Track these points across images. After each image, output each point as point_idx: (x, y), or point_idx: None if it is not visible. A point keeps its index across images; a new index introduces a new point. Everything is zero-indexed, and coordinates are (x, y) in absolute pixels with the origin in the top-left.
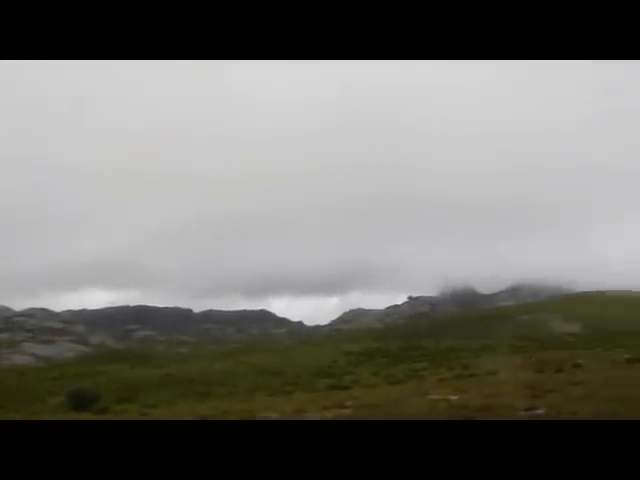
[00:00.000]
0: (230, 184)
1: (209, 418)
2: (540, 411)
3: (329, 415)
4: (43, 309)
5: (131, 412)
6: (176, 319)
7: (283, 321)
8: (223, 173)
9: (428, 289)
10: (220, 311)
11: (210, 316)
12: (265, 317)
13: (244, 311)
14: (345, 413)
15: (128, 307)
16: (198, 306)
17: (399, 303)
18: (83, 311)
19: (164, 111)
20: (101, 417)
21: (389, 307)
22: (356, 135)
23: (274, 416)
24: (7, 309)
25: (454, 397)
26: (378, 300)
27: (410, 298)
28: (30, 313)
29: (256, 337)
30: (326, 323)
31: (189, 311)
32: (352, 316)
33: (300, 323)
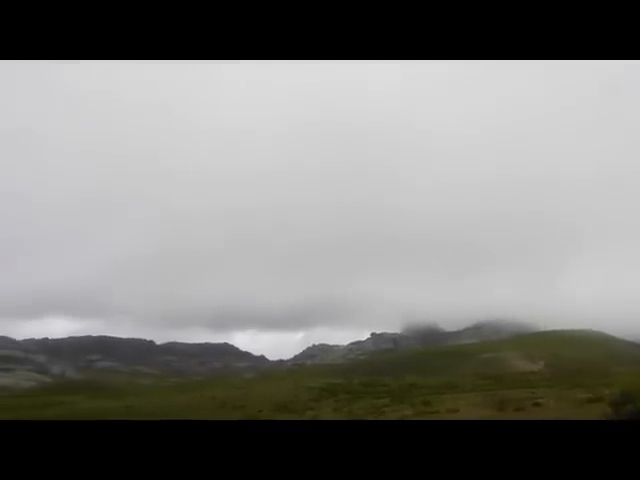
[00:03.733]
0: (196, 216)
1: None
2: None
3: None
4: (3, 337)
5: None
6: (138, 350)
7: (246, 355)
8: (190, 205)
9: (392, 326)
10: (182, 343)
11: (172, 348)
12: (228, 350)
13: (207, 344)
14: None
15: (90, 337)
16: (160, 338)
17: (363, 339)
18: (45, 340)
19: (133, 138)
20: None
21: (353, 343)
22: (326, 172)
23: None
24: None
25: None
26: (342, 336)
27: (373, 334)
28: None
29: (218, 370)
30: (289, 358)
31: (151, 343)
32: (315, 351)
33: (262, 357)
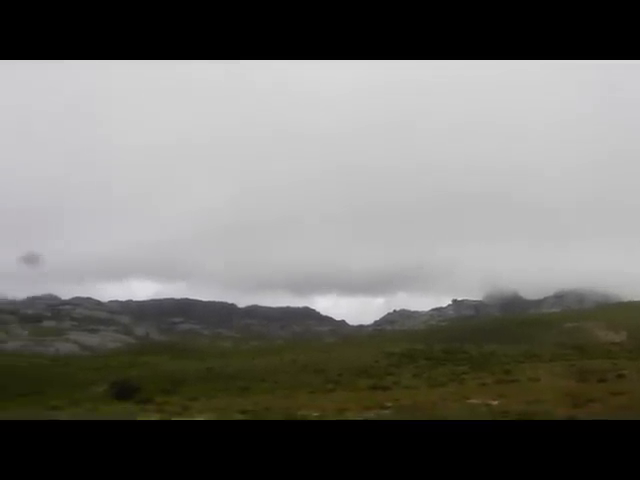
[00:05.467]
0: (279, 181)
1: (250, 413)
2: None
3: (370, 415)
4: (89, 298)
5: (172, 404)
6: (220, 313)
7: (326, 319)
8: (273, 171)
9: (473, 293)
10: (264, 307)
11: (254, 312)
12: (309, 315)
13: (288, 308)
14: (385, 414)
15: (173, 299)
16: (242, 301)
17: (444, 306)
18: (129, 302)
19: (219, 108)
20: (142, 407)
21: (434, 309)
22: (410, 133)
23: (314, 414)
24: (54, 297)
25: (494, 402)
26: (423, 302)
27: (455, 301)
28: (76, 302)
29: (299, 334)
30: (370, 323)
31: (233, 306)
32: (396, 317)
33: (343, 322)
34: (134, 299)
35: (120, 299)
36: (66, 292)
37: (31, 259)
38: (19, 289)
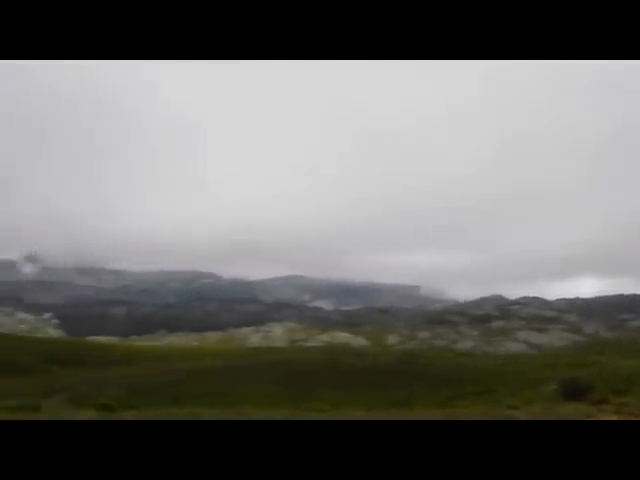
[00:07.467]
0: None
1: None
2: None
3: None
4: (536, 297)
5: (631, 405)
6: None
7: None
8: None
9: None
10: None
11: None
12: None
13: None
14: None
15: (622, 295)
16: None
17: None
18: (576, 300)
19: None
20: (598, 408)
21: None
22: None
23: None
24: (501, 298)
25: None
26: None
27: None
28: (524, 301)
29: None
30: None
31: None
32: None
33: None
34: (581, 296)
35: (567, 297)
36: (513, 292)
37: (31, 259)
38: (468, 291)
